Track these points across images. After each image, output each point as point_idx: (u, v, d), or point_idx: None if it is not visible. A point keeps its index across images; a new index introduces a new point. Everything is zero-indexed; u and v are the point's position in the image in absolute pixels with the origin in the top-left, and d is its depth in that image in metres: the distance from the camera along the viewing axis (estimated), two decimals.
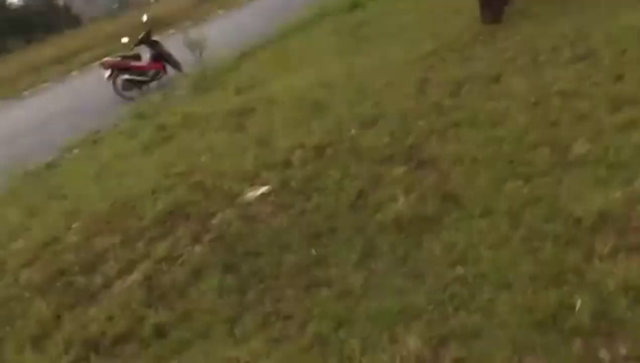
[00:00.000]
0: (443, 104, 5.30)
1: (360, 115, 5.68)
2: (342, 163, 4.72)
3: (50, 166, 8.10)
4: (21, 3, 40.97)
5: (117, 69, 11.21)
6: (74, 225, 5.19)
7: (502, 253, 3.00)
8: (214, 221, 4.40)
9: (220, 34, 14.30)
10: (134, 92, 11.25)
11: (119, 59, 11.44)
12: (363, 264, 3.31)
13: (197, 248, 4.06)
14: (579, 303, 2.45)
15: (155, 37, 12.04)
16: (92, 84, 12.72)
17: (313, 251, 3.59)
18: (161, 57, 11.68)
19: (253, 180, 4.91)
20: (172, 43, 12.17)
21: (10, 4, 39.54)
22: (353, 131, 5.35)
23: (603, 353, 2.21)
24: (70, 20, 37.06)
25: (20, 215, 5.93)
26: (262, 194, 4.57)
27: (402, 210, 3.66)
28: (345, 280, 3.20)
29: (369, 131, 5.24)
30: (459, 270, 2.98)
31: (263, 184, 4.75)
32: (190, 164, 5.81)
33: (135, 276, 3.93)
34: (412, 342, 2.54)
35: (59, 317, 3.73)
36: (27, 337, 3.58)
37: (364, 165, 4.55)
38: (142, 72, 11.47)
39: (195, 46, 11.17)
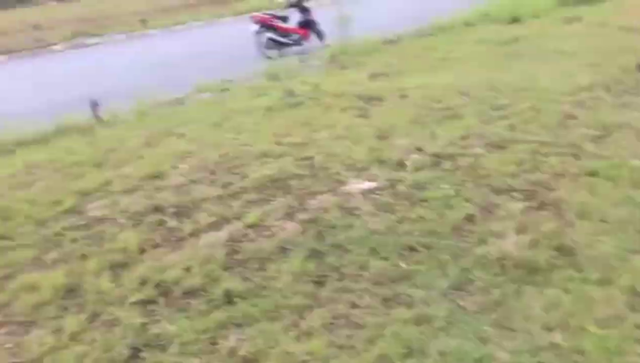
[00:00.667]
0: (584, 147, 4.83)
1: (490, 134, 5.32)
2: (457, 179, 4.43)
3: (177, 102, 8.39)
4: None
5: (265, 26, 11.40)
6: (181, 166, 5.29)
7: (612, 333, 2.64)
8: (313, 202, 4.29)
9: (371, 15, 14.13)
10: (274, 52, 11.41)
11: (268, 16, 11.62)
12: (451, 295, 3.06)
13: (289, 225, 3.97)
14: None
15: (307, 4, 12.10)
16: (238, 34, 13.04)
17: (403, 264, 3.39)
18: (308, 24, 11.76)
19: (361, 172, 4.74)
20: (322, 13, 12.17)
21: None
22: (478, 149, 5.02)
23: None
24: None
25: (138, 142, 6.16)
26: (367, 189, 4.39)
27: (510, 250, 3.35)
28: (428, 306, 2.97)
29: (495, 153, 4.90)
30: (557, 337, 2.66)
31: (370, 179, 4.57)
32: (306, 137, 5.73)
33: (222, 234, 3.91)
34: None
35: (143, 251, 3.80)
36: (109, 262, 3.67)
37: (480, 189, 4.24)
38: (287, 34, 11.60)
39: (343, 21, 11.10)
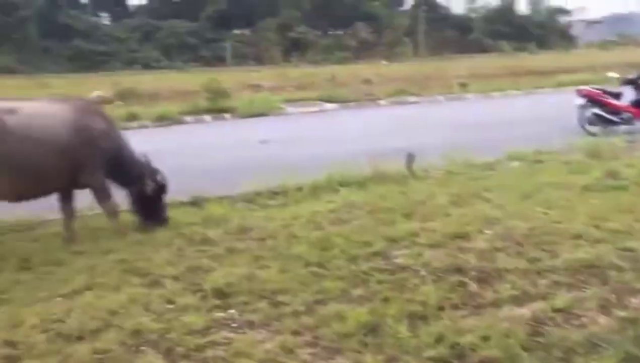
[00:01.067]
0: None
1: None
2: None
3: (487, 167, 8.38)
4: (525, 13, 43.33)
5: (592, 100, 10.75)
6: (486, 231, 5.22)
7: None
8: (634, 300, 3.80)
9: None
10: (597, 128, 10.67)
11: (597, 91, 10.94)
12: None
13: (602, 320, 3.58)
14: None
15: None
16: (557, 106, 12.56)
17: None
18: None
19: None
20: None
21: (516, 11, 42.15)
22: None
23: None
24: (565, 40, 37.91)
25: (445, 200, 6.30)
26: None
27: None
28: None
29: None
30: None
31: None
32: (629, 226, 5.16)
33: (525, 312, 3.72)
34: None
35: (441, 308, 3.82)
36: (408, 311, 3.78)
37: None
38: (616, 111, 10.74)
39: None
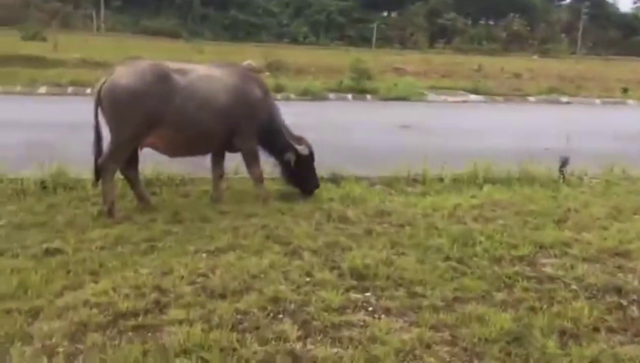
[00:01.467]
0: None
1: None
2: None
3: None
4: None
5: None
6: None
7: None
8: None
9: None
10: None
11: None
12: None
13: None
14: None
15: None
16: None
17: None
18: None
19: None
20: None
21: None
22: None
23: None
24: None
25: (601, 211, 5.80)
26: None
27: None
28: None
29: None
30: None
31: None
32: None
33: None
34: None
35: (596, 330, 3.50)
36: (557, 326, 3.49)
37: None
38: None
39: None
